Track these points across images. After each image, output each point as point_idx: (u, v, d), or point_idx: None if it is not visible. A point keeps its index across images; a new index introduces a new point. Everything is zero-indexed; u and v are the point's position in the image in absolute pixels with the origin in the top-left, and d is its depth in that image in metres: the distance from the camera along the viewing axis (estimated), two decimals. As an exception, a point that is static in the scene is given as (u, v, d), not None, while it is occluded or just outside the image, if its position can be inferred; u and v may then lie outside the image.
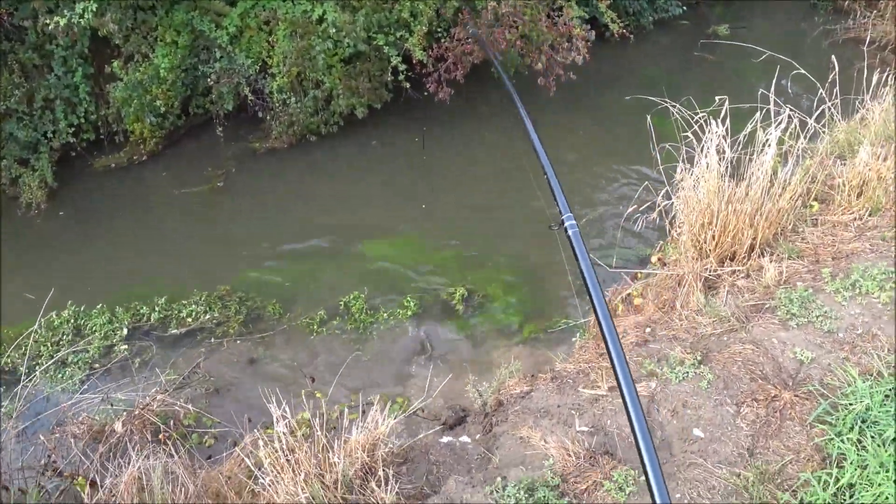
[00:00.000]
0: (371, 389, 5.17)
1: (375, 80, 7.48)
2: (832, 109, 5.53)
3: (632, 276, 5.40)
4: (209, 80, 7.60)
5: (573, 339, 5.28)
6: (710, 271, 4.72)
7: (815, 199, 5.34)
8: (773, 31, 10.11)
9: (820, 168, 5.49)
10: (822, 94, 5.37)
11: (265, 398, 3.64)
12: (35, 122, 7.60)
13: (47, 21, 6.97)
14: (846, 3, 10.16)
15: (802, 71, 5.45)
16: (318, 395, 4.61)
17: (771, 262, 4.65)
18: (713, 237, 4.81)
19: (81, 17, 6.80)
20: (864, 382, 3.43)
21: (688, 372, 3.81)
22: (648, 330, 4.55)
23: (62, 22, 6.81)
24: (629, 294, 5.04)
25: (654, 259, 5.26)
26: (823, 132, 5.69)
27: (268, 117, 7.81)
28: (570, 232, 2.26)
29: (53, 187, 7.48)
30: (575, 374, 4.31)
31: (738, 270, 4.73)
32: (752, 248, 4.86)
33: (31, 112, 7.58)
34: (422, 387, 5.17)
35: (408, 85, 7.27)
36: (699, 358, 3.90)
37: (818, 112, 5.38)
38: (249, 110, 7.89)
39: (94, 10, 6.76)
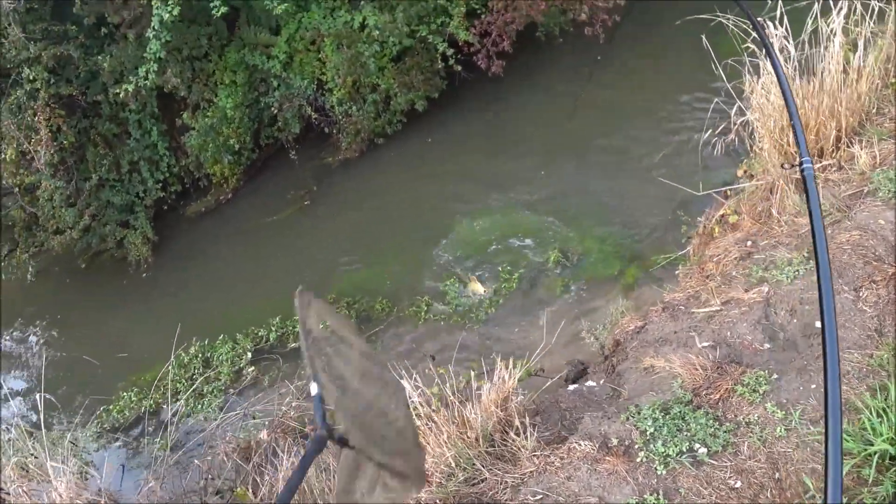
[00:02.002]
0: (489, 359, 5.32)
1: (427, 71, 7.64)
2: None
3: (722, 195, 5.33)
4: (273, 109, 7.96)
5: (676, 273, 5.27)
6: (799, 171, 4.62)
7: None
8: None
9: (894, 45, 5.26)
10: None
11: (396, 375, 3.83)
12: (126, 186, 8.17)
13: (117, 91, 7.49)
14: None
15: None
16: (440, 370, 4.80)
17: (862, 148, 4.52)
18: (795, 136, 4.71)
19: (146, 78, 7.27)
20: None
21: (798, 270, 3.78)
22: (749, 243, 4.51)
23: (130, 88, 7.30)
24: (723, 215, 4.99)
25: (739, 173, 5.19)
26: (889, 8, 5.44)
27: (334, 131, 8.11)
28: (804, 174, 2.21)
29: (155, 241, 8.01)
30: (685, 301, 4.32)
31: (829, 165, 4.62)
32: (838, 139, 4.73)
33: (120, 177, 8.15)
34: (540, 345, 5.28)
35: (459, 68, 7.40)
36: (806, 255, 3.85)
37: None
38: (315, 129, 8.20)
39: (156, 69, 7.21)
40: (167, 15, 6.86)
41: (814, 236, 1.93)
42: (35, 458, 5.05)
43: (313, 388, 1.06)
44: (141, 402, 6.52)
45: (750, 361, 3.46)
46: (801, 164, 2.50)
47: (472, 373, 5.03)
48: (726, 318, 3.81)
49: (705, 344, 3.67)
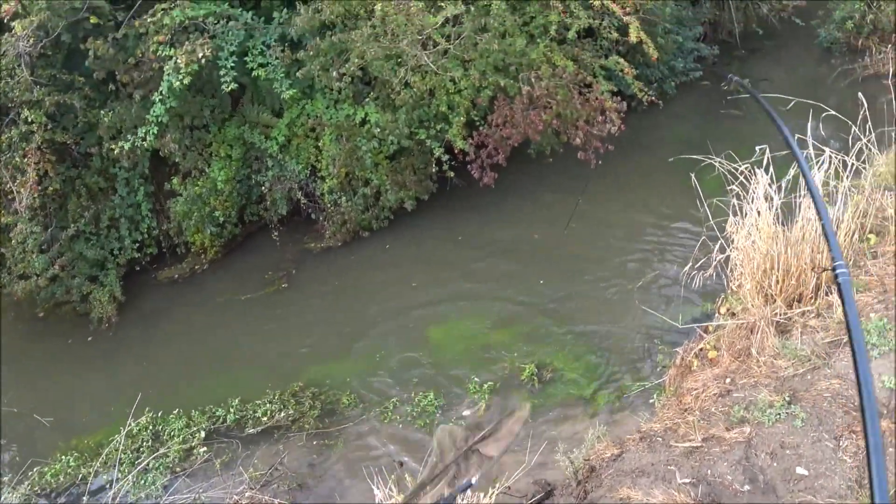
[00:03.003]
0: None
1: (420, 173, 7.82)
2: (869, 146, 5.64)
3: (703, 329, 5.44)
4: (263, 188, 8.02)
5: (651, 401, 5.29)
6: (780, 315, 4.76)
7: (871, 233, 5.40)
8: (793, 79, 10.35)
9: (870, 202, 5.56)
10: (855, 131, 5.48)
11: (367, 478, 3.70)
12: (102, 241, 8.03)
13: (112, 147, 7.49)
14: (860, 41, 10.31)
15: (833, 112, 5.62)
16: (408, 478, 4.65)
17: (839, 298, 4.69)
18: (777, 281, 4.88)
19: (144, 139, 7.31)
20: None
21: (779, 413, 3.81)
22: (728, 380, 4.56)
23: (126, 146, 7.32)
24: (702, 349, 5.07)
25: (721, 311, 5.31)
26: (864, 168, 5.78)
27: (321, 218, 8.15)
28: (840, 280, 2.16)
29: (122, 301, 7.80)
30: (663, 432, 4.31)
31: (808, 311, 4.77)
32: (817, 287, 4.91)
33: (97, 231, 8.02)
34: (508, 465, 5.16)
35: (452, 174, 7.58)
36: (788, 398, 3.91)
37: (856, 149, 5.48)
38: (303, 213, 8.25)
39: (156, 132, 7.27)
40: (177, 83, 6.99)
41: (851, 342, 1.91)
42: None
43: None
44: (79, 469, 6.15)
45: (730, 502, 3.43)
46: (834, 269, 2.47)
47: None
48: (707, 455, 3.80)
49: (685, 480, 3.63)
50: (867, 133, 5.58)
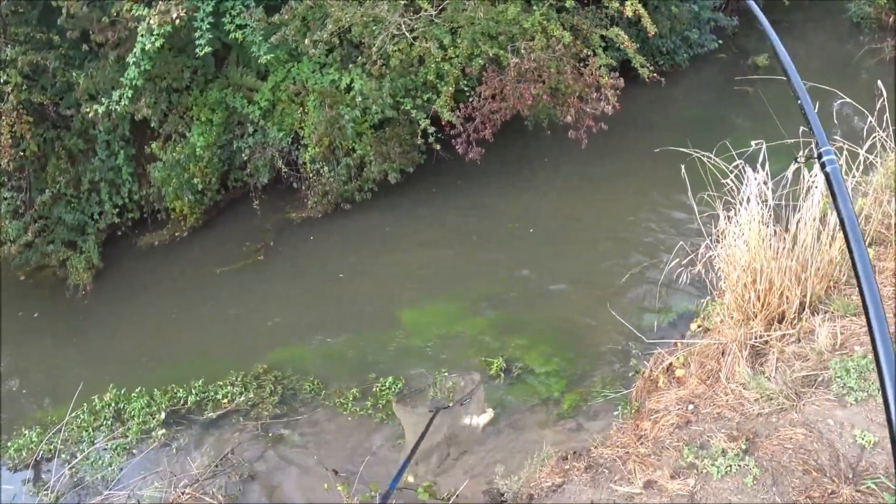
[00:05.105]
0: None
1: (406, 144, 7.40)
2: (885, 139, 5.04)
3: (673, 344, 5.03)
4: (244, 154, 7.68)
5: (614, 413, 4.94)
6: (756, 337, 4.32)
7: (871, 244, 4.87)
8: (815, 56, 9.54)
9: (875, 206, 5.01)
10: (871, 121, 4.90)
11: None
12: (82, 205, 7.84)
13: (87, 109, 7.21)
14: (892, 18, 9.46)
15: (848, 100, 5.04)
16: (340, 487, 4.44)
17: (824, 322, 4.22)
18: (758, 297, 4.43)
19: (118, 103, 7.00)
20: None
21: (731, 465, 3.43)
22: (691, 407, 4.18)
23: (101, 109, 7.02)
24: (670, 365, 4.67)
25: (693, 326, 4.88)
26: (876, 164, 5.19)
27: (303, 187, 7.83)
28: (828, 169, 1.65)
29: (100, 268, 7.65)
30: (611, 462, 3.97)
31: (788, 334, 4.32)
32: (802, 306, 4.44)
33: (78, 195, 7.82)
34: (459, 475, 4.91)
35: (438, 147, 7.15)
36: (744, 447, 3.51)
37: (869, 142, 4.90)
38: (285, 182, 7.92)
39: (130, 96, 6.94)
40: (150, 45, 6.63)
41: (851, 252, 1.48)
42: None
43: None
44: (40, 445, 6.09)
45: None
46: (819, 156, 1.99)
47: (371, 493, 4.69)
48: None
49: (615, 533, 3.31)
50: (884, 125, 4.98)
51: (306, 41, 6.33)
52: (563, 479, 3.96)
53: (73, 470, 5.79)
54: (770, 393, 3.85)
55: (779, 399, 3.78)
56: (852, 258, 1.43)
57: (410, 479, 4.77)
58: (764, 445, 3.53)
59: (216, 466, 5.41)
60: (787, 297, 4.40)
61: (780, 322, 4.44)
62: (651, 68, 6.50)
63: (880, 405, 3.57)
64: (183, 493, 4.89)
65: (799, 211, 4.51)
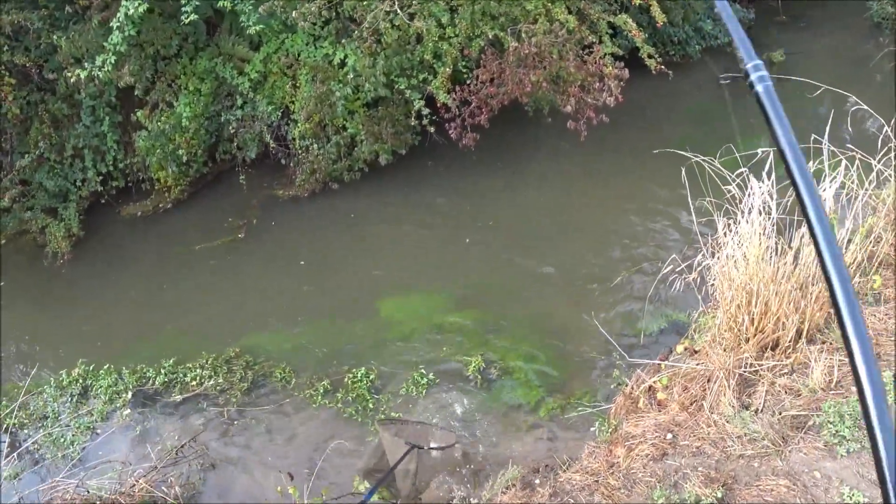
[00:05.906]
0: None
1: (399, 125, 7.06)
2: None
3: (661, 357, 4.74)
4: (231, 127, 7.38)
5: (591, 429, 4.67)
6: (745, 366, 4.02)
7: (879, 269, 4.51)
8: (832, 56, 9.03)
9: (886, 227, 4.64)
10: (887, 131, 4.52)
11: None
12: (65, 171, 7.59)
13: (70, 73, 6.90)
14: None
15: (863, 106, 4.66)
16: (291, 490, 4.23)
17: (820, 354, 3.91)
18: (752, 321, 4.11)
19: (101, 69, 6.69)
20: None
21: (700, 513, 3.16)
22: (670, 436, 3.90)
23: (83, 75, 6.71)
24: (652, 386, 4.38)
25: (679, 348, 4.57)
26: (891, 178, 4.81)
27: (291, 164, 7.52)
28: (759, 88, 1.18)
29: (80, 237, 7.43)
30: (578, 490, 3.72)
31: (781, 364, 4.01)
32: (798, 334, 4.12)
33: (61, 161, 7.57)
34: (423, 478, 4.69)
35: (432, 129, 6.80)
36: (720, 494, 3.23)
37: (882, 152, 4.52)
38: (273, 157, 7.62)
39: (114, 62, 6.63)
40: (134, 10, 6.30)
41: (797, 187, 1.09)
42: None
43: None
44: (5, 420, 5.93)
45: None
46: (746, 74, 1.47)
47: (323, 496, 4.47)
48: (603, 547, 3.20)
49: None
50: (902, 135, 4.59)
51: (294, 13, 5.97)
52: (525, 507, 3.72)
53: (36, 446, 5.65)
54: (755, 435, 3.55)
55: (763, 442, 3.48)
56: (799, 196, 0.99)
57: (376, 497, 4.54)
58: (742, 495, 3.25)
59: (177, 454, 5.22)
60: (784, 324, 4.08)
61: (773, 349, 4.13)
62: (659, 59, 6.08)
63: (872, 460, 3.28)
64: (137, 483, 4.70)
65: (801, 229, 4.18)
